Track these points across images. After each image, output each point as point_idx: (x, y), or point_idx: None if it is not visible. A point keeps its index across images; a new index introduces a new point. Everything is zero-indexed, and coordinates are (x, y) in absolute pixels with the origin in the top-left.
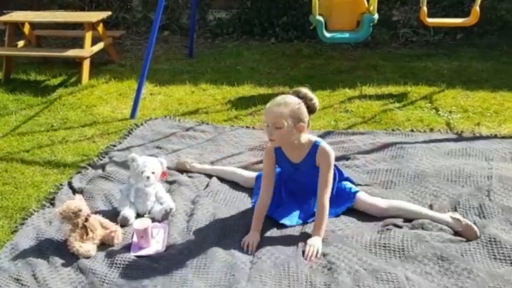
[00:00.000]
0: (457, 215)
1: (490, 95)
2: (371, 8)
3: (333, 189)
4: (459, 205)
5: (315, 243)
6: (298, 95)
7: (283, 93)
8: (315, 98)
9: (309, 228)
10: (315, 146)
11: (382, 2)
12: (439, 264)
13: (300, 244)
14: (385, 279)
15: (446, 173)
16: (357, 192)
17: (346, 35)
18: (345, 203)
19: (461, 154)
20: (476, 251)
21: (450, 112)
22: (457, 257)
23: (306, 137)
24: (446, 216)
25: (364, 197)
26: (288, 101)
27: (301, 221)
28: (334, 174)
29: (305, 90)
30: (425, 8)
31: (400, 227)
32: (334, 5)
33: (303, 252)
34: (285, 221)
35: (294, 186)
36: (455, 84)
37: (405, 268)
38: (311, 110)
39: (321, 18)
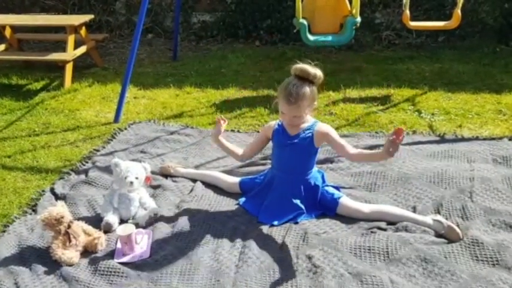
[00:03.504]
0: (439, 217)
1: (471, 97)
2: (353, 11)
3: (316, 195)
4: (442, 207)
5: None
6: (307, 77)
7: (268, 96)
8: (317, 71)
9: (294, 230)
10: (313, 124)
11: (365, 5)
12: (423, 266)
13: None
14: (370, 283)
15: (429, 175)
16: (340, 198)
17: (329, 38)
18: (327, 210)
19: (443, 156)
20: (459, 253)
21: (432, 114)
22: (440, 259)
23: (316, 107)
24: (429, 219)
25: (347, 203)
26: (303, 93)
27: (285, 219)
28: (322, 177)
29: (309, 70)
30: (407, 12)
31: (384, 229)
32: (317, 8)
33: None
34: (274, 221)
35: (281, 168)
36: (437, 87)
37: (389, 271)
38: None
39: (304, 21)
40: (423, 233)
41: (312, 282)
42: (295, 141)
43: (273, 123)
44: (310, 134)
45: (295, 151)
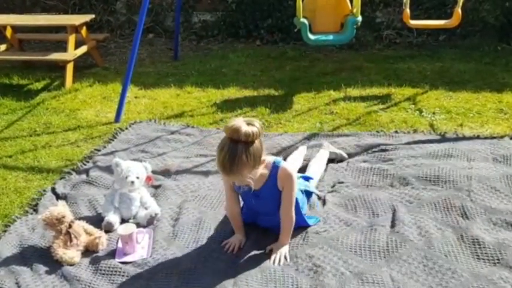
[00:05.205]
0: (330, 148)
1: (472, 96)
2: (354, 10)
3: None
4: (440, 205)
5: (283, 250)
6: (239, 139)
7: (269, 95)
8: (251, 129)
9: (294, 229)
10: (274, 167)
11: (366, 4)
12: (424, 263)
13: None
14: (371, 281)
15: (427, 173)
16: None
17: (330, 37)
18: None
19: (444, 155)
20: (459, 252)
21: (433, 113)
22: (441, 258)
23: (265, 160)
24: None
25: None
26: (237, 162)
27: None
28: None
29: (240, 130)
30: (408, 10)
31: (383, 226)
32: (318, 7)
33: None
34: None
35: (255, 212)
36: (438, 86)
37: (390, 268)
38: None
39: (305, 20)
40: (422, 231)
41: (312, 281)
42: (263, 195)
43: None
44: (274, 181)
45: (264, 200)
